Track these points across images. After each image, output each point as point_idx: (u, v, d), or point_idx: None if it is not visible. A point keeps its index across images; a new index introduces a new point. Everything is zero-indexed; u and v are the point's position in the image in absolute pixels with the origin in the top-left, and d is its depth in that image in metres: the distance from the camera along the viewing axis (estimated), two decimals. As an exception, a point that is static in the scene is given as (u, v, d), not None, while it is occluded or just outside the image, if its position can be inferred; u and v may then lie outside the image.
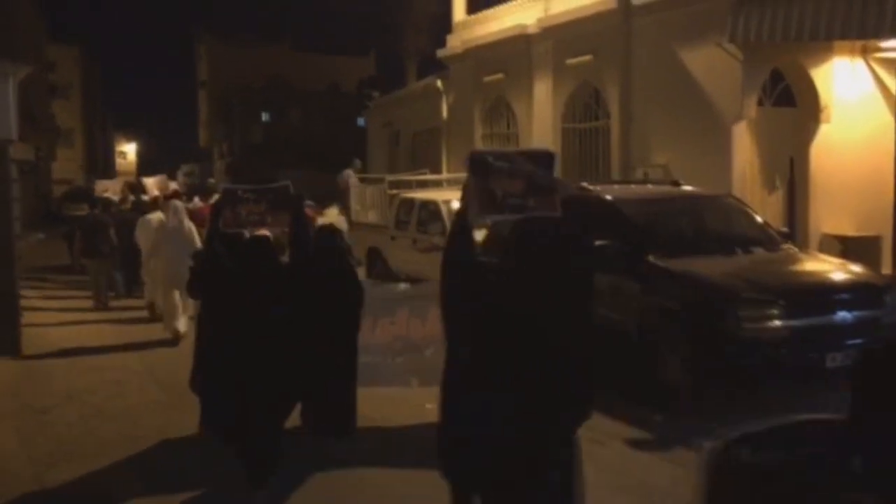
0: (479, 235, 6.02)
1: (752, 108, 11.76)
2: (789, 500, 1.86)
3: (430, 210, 13.90)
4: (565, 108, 15.02)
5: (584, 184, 9.31)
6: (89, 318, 11.88)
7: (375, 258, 14.74)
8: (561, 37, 14.84)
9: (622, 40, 13.51)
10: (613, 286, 7.81)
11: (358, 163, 17.98)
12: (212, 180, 27.92)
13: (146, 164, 69.64)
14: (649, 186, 9.56)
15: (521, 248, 3.90)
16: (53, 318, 11.94)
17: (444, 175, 18.03)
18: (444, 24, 19.85)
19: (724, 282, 7.09)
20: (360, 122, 54.35)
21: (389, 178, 15.26)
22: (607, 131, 14.08)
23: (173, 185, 14.49)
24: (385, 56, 46.90)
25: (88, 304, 12.60)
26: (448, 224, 13.30)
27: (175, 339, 9.70)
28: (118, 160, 77.34)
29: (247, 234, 5.13)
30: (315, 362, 5.17)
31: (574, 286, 3.89)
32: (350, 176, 17.09)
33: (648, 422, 6.70)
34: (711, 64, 11.96)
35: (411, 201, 14.44)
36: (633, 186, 9.56)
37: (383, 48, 42.35)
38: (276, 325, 4.98)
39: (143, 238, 11.02)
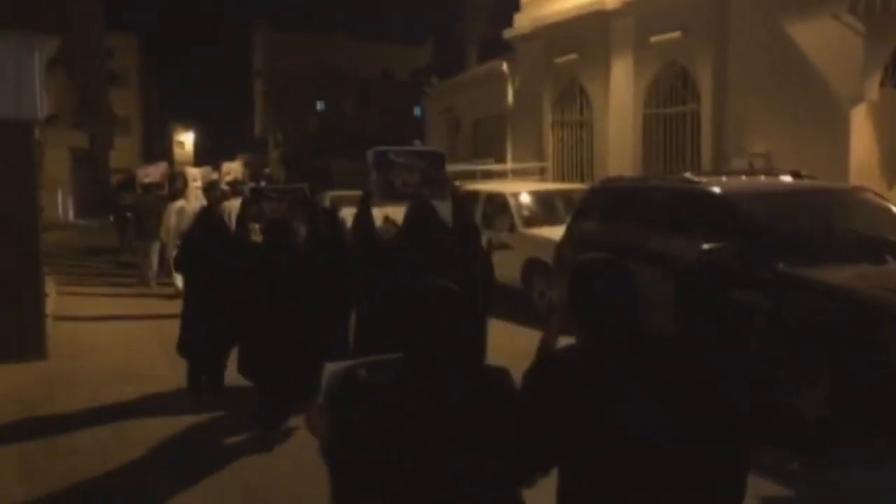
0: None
1: (873, 90, 10.19)
2: (392, 409, 2.34)
3: (498, 203, 12.61)
4: (648, 91, 13.55)
5: (689, 175, 7.92)
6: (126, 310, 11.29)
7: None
8: (644, 12, 13.37)
9: (717, 14, 12.01)
10: (727, 299, 6.47)
11: (419, 145, 16.68)
12: (267, 170, 27.12)
13: (203, 154, 69.75)
14: (763, 178, 8.12)
15: (412, 230, 4.89)
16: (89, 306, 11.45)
17: (509, 165, 16.71)
18: (508, 4, 18.51)
19: (880, 297, 5.67)
20: (417, 111, 53.55)
21: (450, 168, 13.96)
22: (697, 117, 12.59)
23: (214, 175, 14.64)
24: (443, 43, 45.86)
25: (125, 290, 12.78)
26: (517, 219, 12.03)
27: None
28: (176, 149, 77.66)
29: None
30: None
31: (463, 263, 4.70)
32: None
33: (782, 471, 5.35)
34: (826, 39, 10.41)
35: (476, 194, 13.16)
36: (745, 178, 8.13)
37: (441, 35, 41.32)
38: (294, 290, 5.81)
39: (165, 224, 11.90)
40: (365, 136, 43.13)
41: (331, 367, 2.73)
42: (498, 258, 12.34)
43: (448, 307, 2.44)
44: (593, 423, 2.18)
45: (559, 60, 15.48)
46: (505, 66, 17.73)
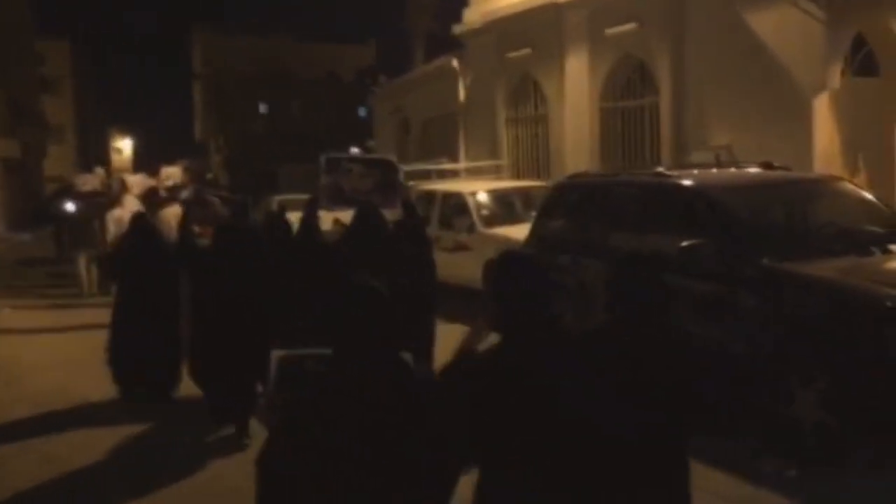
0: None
1: (835, 78, 10.05)
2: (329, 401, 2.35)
3: (456, 203, 12.19)
4: (604, 84, 13.27)
5: (661, 169, 7.59)
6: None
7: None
8: (598, 4, 13.10)
9: (673, 4, 11.79)
10: (711, 297, 6.16)
11: (373, 146, 16.07)
12: (209, 175, 26.34)
13: (142, 160, 68.01)
14: (734, 170, 7.84)
15: (357, 232, 5.12)
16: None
17: (465, 164, 16.30)
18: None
19: (875, 290, 5.39)
20: (362, 112, 52.96)
21: (406, 168, 13.50)
22: (655, 109, 12.36)
23: (152, 182, 14.44)
24: (386, 43, 45.42)
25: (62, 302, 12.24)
26: (476, 218, 11.62)
27: None
28: (113, 156, 75.59)
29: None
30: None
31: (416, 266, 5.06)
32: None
33: (778, 479, 5.04)
34: (786, 27, 10.23)
35: (432, 194, 12.73)
36: (716, 171, 7.84)
37: (385, 34, 40.81)
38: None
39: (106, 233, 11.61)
40: (311, 138, 42.47)
41: (278, 354, 3.02)
42: (457, 259, 12.04)
43: (369, 305, 2.42)
44: (546, 416, 2.22)
45: (511, 55, 15.14)
46: (455, 63, 17.33)
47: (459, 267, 11.51)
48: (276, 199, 17.15)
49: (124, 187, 12.89)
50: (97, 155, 67.09)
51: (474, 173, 14.69)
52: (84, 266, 12.64)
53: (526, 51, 14.70)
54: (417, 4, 26.86)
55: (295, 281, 5.63)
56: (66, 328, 10.32)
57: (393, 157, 6.49)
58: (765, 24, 10.59)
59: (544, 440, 2.27)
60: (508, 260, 2.58)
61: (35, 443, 6.13)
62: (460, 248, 11.53)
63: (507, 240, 10.50)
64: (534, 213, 11.97)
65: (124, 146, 79.27)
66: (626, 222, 7.43)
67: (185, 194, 12.73)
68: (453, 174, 14.55)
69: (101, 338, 7.20)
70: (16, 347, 9.54)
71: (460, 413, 2.34)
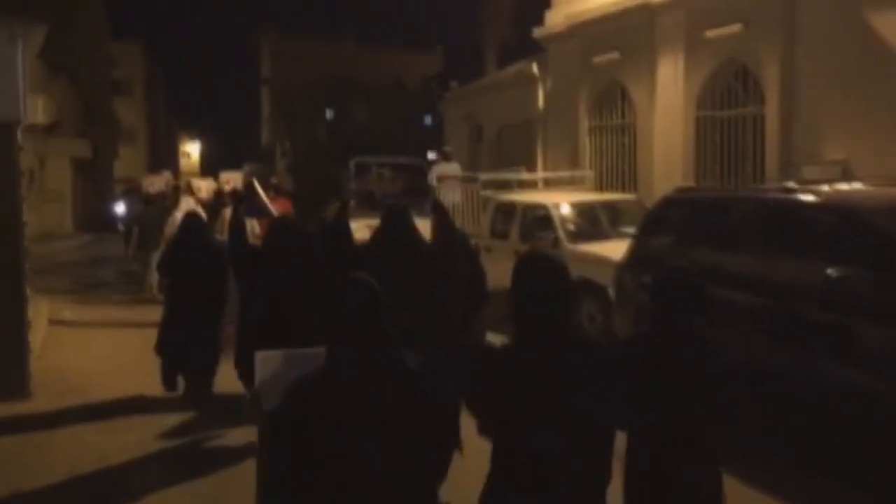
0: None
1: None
2: (316, 400, 2.42)
3: (539, 216, 11.35)
4: (701, 92, 12.27)
5: (791, 184, 6.63)
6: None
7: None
8: (697, 5, 12.12)
9: (784, 3, 10.76)
10: (861, 335, 5.24)
11: (451, 151, 15.29)
12: (273, 179, 26.30)
13: (209, 164, 68.78)
14: (877, 188, 6.83)
15: (383, 235, 5.22)
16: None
17: (541, 174, 15.43)
18: (532, 3, 17.31)
19: None
20: (427, 119, 52.53)
21: (483, 176, 12.73)
22: (760, 120, 11.31)
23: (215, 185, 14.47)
24: (454, 50, 44.67)
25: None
26: (562, 233, 10.77)
27: None
28: (182, 160, 76.77)
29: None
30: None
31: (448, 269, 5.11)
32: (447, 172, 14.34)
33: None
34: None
35: (511, 205, 11.91)
36: (854, 188, 6.84)
37: (454, 41, 40.11)
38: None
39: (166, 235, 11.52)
40: (375, 145, 42.03)
41: (261, 356, 3.09)
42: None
43: (362, 303, 2.46)
44: (506, 403, 2.57)
45: (597, 60, 14.23)
46: (535, 68, 16.47)
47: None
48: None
49: (185, 190, 12.70)
50: (167, 158, 68.18)
51: (555, 184, 13.80)
52: (146, 266, 12.89)
53: (613, 55, 13.79)
54: (490, 11, 26.12)
55: (321, 286, 5.36)
56: (126, 325, 10.74)
57: (421, 162, 6.19)
58: (887, 25, 9.51)
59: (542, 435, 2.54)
60: (528, 264, 2.69)
61: (78, 429, 6.51)
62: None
63: (597, 258, 9.64)
64: (623, 229, 11.21)
65: (192, 150, 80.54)
66: (748, 244, 6.51)
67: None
68: (533, 185, 13.69)
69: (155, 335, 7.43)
70: (76, 342, 9.80)
71: (478, 390, 2.62)
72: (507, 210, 11.95)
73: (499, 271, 10.31)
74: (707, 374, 3.09)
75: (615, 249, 9.77)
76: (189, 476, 5.46)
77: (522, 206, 11.57)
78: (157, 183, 13.78)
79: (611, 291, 8.89)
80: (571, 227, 10.90)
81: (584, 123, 14.83)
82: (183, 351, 7.11)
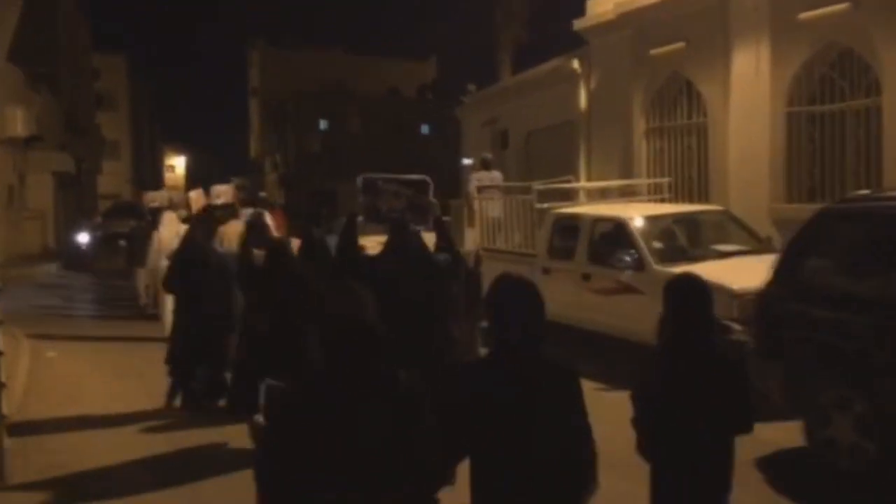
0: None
1: None
2: (307, 418, 2.52)
3: (612, 232, 9.59)
4: (793, 84, 10.55)
5: None
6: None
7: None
8: (787, -18, 10.43)
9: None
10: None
11: (490, 158, 13.41)
12: (262, 194, 24.83)
13: (195, 178, 66.87)
14: None
15: (390, 248, 5.39)
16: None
17: (587, 183, 13.66)
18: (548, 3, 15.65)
19: None
20: (424, 129, 50.83)
21: (538, 185, 10.94)
22: (875, 113, 9.59)
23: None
24: (449, 57, 43.10)
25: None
26: (648, 253, 9.02)
27: None
28: (167, 174, 74.73)
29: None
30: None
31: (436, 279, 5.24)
32: (481, 179, 12.52)
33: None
34: None
35: (576, 220, 10.13)
36: None
37: (452, 47, 38.48)
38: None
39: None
40: (371, 156, 40.25)
41: (268, 383, 3.90)
42: (617, 305, 9.40)
43: (350, 327, 2.57)
44: (475, 421, 2.70)
45: (656, 52, 12.50)
46: (576, 64, 14.72)
47: (621, 316, 8.90)
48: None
49: (173, 206, 12.33)
50: (152, 172, 66.10)
51: (628, 194, 12.04)
52: (142, 281, 12.99)
53: (677, 45, 12.06)
54: (505, 11, 24.41)
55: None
56: (118, 339, 11.03)
57: (426, 177, 5.98)
58: None
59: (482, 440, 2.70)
60: (505, 283, 2.85)
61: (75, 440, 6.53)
62: (623, 290, 8.90)
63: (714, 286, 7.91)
64: (716, 247, 9.46)
65: (178, 164, 78.35)
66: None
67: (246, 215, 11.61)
68: (599, 194, 11.91)
69: (150, 349, 8.00)
70: (64, 384, 8.93)
71: (448, 412, 2.70)
72: (570, 225, 10.18)
73: (558, 297, 8.60)
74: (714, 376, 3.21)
75: (723, 273, 8.09)
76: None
77: (590, 221, 9.79)
78: (158, 198, 13.17)
79: (736, 330, 7.16)
80: (658, 244, 9.15)
81: (640, 124, 13.08)
82: (190, 365, 7.35)
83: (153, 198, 13.43)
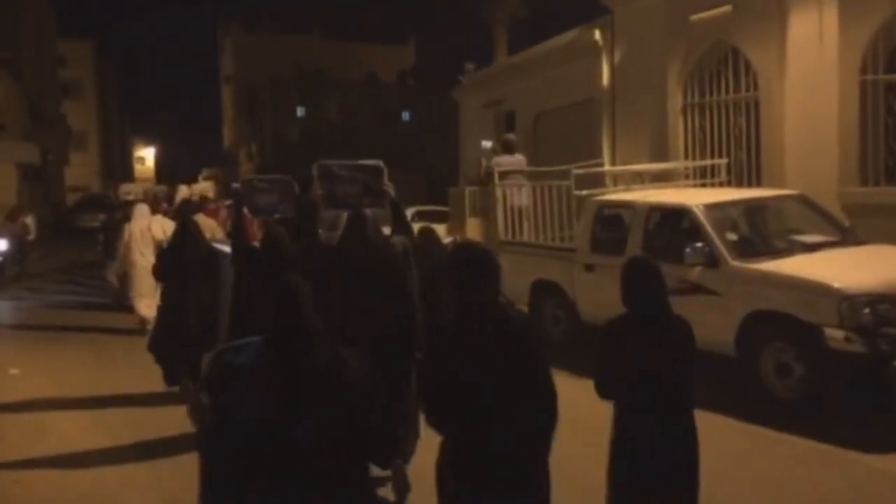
0: None
1: None
2: (251, 388, 2.66)
3: (674, 223, 8.21)
4: (866, 50, 9.23)
5: None
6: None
7: (548, 299, 9.11)
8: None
9: None
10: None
11: (513, 139, 11.91)
12: (236, 185, 23.40)
13: (165, 170, 64.87)
14: None
15: (347, 234, 5.41)
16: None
17: (636, 166, 12.20)
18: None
19: None
20: (405, 115, 49.26)
21: (577, 170, 9.51)
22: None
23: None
24: (430, 41, 41.54)
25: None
26: (723, 247, 7.66)
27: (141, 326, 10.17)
28: (136, 166, 72.57)
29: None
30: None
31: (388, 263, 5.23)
32: (502, 164, 11.00)
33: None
34: None
35: (626, 207, 8.73)
36: None
37: (424, 33, 36.94)
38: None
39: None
40: (351, 143, 38.60)
41: (208, 356, 3.47)
42: (686, 308, 8.05)
43: (293, 297, 2.78)
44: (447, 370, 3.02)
45: (697, 17, 11.13)
46: (597, 35, 13.31)
47: (697, 323, 7.55)
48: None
49: (145, 198, 11.98)
50: (121, 164, 63.91)
51: (663, 178, 10.61)
52: (113, 273, 12.84)
53: (724, 9, 10.70)
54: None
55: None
56: (92, 329, 11.08)
57: (379, 163, 5.67)
58: None
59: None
60: (461, 249, 3.37)
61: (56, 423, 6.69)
62: (691, 290, 7.51)
63: (804, 284, 6.59)
64: (796, 238, 8.12)
65: (147, 155, 76.07)
66: None
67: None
68: (633, 179, 10.48)
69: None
70: (46, 349, 9.64)
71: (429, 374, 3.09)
72: (618, 215, 8.79)
73: (604, 297, 7.23)
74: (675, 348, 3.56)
75: (820, 269, 6.81)
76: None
77: (646, 209, 8.38)
78: (133, 191, 12.98)
79: (832, 337, 5.92)
80: (733, 236, 7.79)
81: (676, 100, 11.70)
82: (179, 352, 7.35)
83: (128, 190, 13.35)
